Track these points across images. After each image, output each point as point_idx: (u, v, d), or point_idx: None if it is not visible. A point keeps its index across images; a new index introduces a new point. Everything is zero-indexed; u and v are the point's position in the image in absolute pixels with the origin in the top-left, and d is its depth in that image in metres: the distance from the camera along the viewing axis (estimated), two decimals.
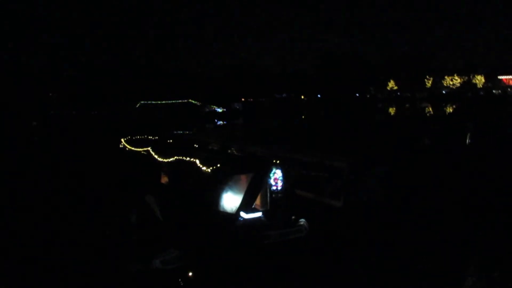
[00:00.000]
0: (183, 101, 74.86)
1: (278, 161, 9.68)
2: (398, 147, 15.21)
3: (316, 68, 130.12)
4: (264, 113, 73.90)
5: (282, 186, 9.58)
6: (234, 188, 9.89)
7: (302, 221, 9.12)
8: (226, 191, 9.80)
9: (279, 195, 9.50)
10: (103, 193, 12.38)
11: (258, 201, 9.61)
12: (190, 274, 7.57)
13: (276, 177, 9.54)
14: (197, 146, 13.95)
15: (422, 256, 8.53)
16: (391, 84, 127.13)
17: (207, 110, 71.72)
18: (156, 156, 13.52)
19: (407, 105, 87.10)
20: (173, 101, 74.75)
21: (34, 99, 79.01)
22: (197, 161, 10.98)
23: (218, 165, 10.37)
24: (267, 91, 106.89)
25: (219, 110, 72.54)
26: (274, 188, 9.52)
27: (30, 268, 7.88)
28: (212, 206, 9.10)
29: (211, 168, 10.44)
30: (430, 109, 72.63)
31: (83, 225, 9.85)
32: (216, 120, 62.49)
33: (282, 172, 9.60)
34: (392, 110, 75.12)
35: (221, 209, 9.35)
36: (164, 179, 12.58)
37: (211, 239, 8.21)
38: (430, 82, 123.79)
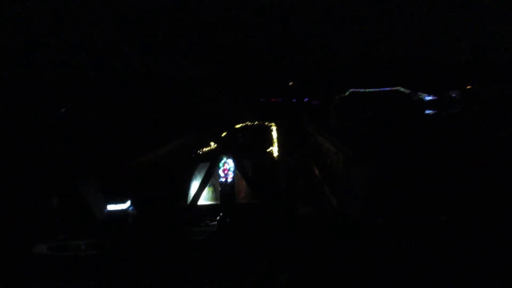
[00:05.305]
0: (392, 88, 70.67)
1: (231, 150, 8.81)
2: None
3: None
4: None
5: (233, 178, 8.67)
6: (199, 176, 9.55)
7: (203, 223, 8.05)
8: (193, 180, 9.56)
9: (227, 188, 8.67)
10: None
11: (212, 194, 9.07)
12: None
13: (226, 167, 8.71)
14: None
15: None
16: None
17: (415, 98, 65.76)
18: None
19: None
20: (382, 89, 71.47)
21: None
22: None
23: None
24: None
25: (428, 98, 65.32)
26: (223, 180, 8.74)
27: None
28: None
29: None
30: None
31: None
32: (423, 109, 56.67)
33: (235, 162, 8.68)
34: None
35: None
36: None
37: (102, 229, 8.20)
38: None
